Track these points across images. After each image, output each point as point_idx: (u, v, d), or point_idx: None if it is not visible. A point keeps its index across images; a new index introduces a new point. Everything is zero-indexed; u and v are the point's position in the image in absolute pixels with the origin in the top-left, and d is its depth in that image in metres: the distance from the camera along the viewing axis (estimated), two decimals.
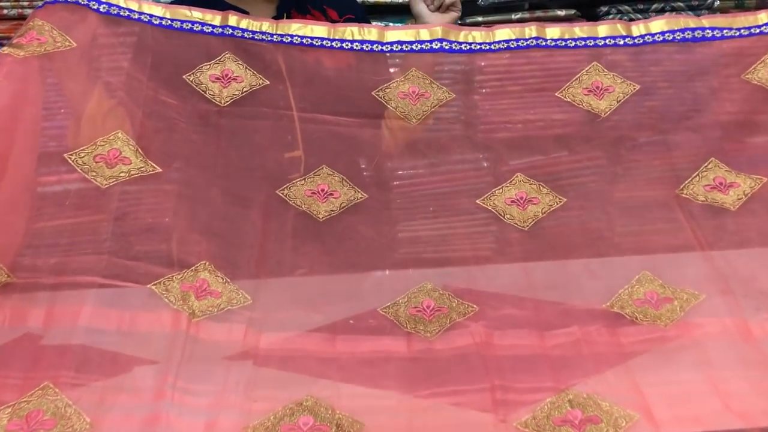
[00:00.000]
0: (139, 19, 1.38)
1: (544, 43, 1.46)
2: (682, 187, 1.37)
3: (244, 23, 1.42)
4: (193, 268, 1.21)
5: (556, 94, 1.44)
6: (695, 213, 1.33)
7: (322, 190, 1.34)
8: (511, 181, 1.38)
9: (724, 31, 1.46)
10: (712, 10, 2.12)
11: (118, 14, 1.37)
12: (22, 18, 1.97)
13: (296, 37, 1.43)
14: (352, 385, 1.10)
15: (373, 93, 1.42)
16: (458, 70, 1.47)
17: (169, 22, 1.40)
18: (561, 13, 2.13)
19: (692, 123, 1.43)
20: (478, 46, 1.46)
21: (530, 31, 1.46)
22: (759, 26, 1.46)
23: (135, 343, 1.11)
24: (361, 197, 1.35)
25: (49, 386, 0.99)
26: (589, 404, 1.04)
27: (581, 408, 1.03)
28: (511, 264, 1.32)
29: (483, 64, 1.46)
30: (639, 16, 2.09)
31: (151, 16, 1.39)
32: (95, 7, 1.36)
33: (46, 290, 1.13)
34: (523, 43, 1.46)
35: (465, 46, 1.46)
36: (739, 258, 1.28)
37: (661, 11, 2.10)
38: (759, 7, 1.66)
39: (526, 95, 1.46)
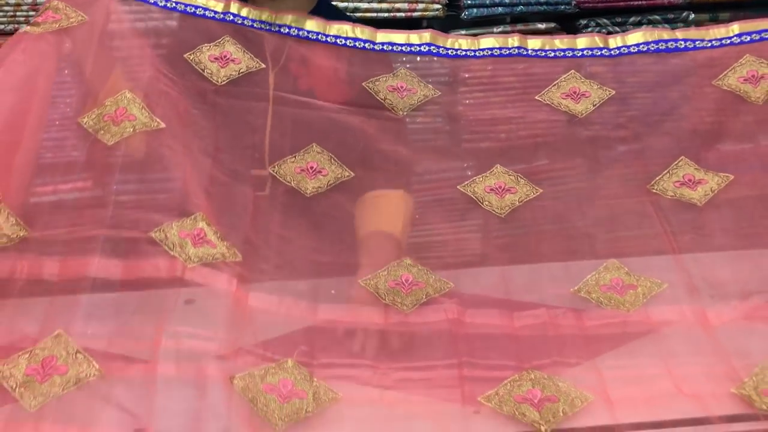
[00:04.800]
0: (146, 0, 1.39)
1: (525, 53, 1.47)
2: (653, 183, 1.36)
3: (245, 11, 1.43)
4: (192, 216, 1.19)
5: (536, 97, 1.44)
6: (664, 207, 1.33)
7: (311, 168, 1.34)
8: (491, 172, 1.38)
9: (697, 42, 1.46)
10: (687, 23, 2.12)
11: None
12: None
13: (293, 29, 1.43)
14: (329, 355, 1.10)
15: (363, 84, 1.43)
16: (444, 73, 1.48)
17: (174, 4, 1.40)
18: (542, 26, 2.13)
19: (665, 126, 1.43)
20: (464, 52, 1.47)
21: (513, 41, 1.48)
22: (730, 37, 1.47)
23: (135, 289, 1.12)
24: (348, 175, 1.35)
25: (61, 334, 1.01)
26: (548, 384, 1.04)
27: (541, 387, 1.03)
28: (487, 245, 1.34)
29: (467, 67, 1.47)
30: (617, 29, 2.09)
31: None
32: None
33: (59, 243, 1.13)
34: (506, 51, 1.47)
35: (451, 52, 1.47)
36: (703, 251, 1.28)
37: (638, 24, 2.10)
38: (733, 20, 1.67)
39: (507, 96, 1.47)
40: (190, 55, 1.38)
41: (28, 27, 1.27)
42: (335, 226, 1.31)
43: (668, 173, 1.37)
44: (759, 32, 1.46)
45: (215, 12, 1.42)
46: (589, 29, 2.10)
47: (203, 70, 1.37)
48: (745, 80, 1.41)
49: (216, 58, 1.38)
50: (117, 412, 0.95)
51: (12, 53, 1.22)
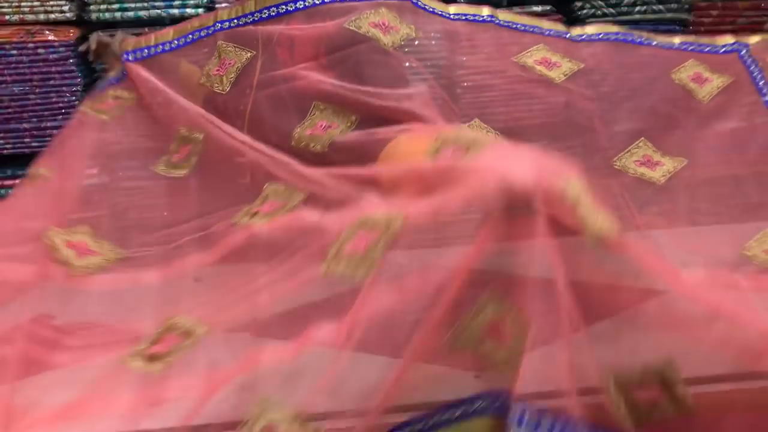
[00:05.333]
0: (156, 52, 1.51)
1: (498, 21, 1.55)
2: (615, 159, 1.45)
3: (233, 12, 1.46)
4: (260, 197, 1.31)
5: (512, 59, 1.51)
6: (627, 183, 1.42)
7: (321, 125, 1.36)
8: (470, 126, 1.44)
9: (652, 42, 1.59)
10: (681, 3, 2.12)
11: (147, 56, 1.52)
12: (24, 23, 1.89)
13: (272, 8, 1.45)
14: None
15: (344, 25, 1.41)
16: (423, 24, 1.53)
17: (176, 43, 1.52)
18: (537, 8, 2.11)
19: (628, 105, 1.52)
20: (439, 12, 1.53)
21: (486, 10, 1.56)
22: (675, 44, 1.60)
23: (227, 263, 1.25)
24: (355, 119, 1.36)
25: (171, 317, 1.13)
26: None
27: None
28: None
29: (444, 23, 1.54)
30: (612, 10, 2.10)
31: (163, 44, 1.51)
32: (133, 57, 1.52)
33: (156, 255, 1.32)
34: (479, 18, 1.55)
35: (429, 8, 1.53)
36: (664, 227, 1.37)
37: (632, 5, 2.11)
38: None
39: (485, 53, 1.55)
40: (202, 78, 1.46)
41: (93, 112, 1.49)
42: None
43: (629, 152, 1.46)
44: (700, 45, 1.60)
45: (207, 28, 1.48)
46: (585, 11, 2.11)
47: (212, 86, 1.44)
48: (693, 79, 1.54)
49: (218, 70, 1.44)
50: (230, 359, 1.04)
51: (78, 131, 1.48)
